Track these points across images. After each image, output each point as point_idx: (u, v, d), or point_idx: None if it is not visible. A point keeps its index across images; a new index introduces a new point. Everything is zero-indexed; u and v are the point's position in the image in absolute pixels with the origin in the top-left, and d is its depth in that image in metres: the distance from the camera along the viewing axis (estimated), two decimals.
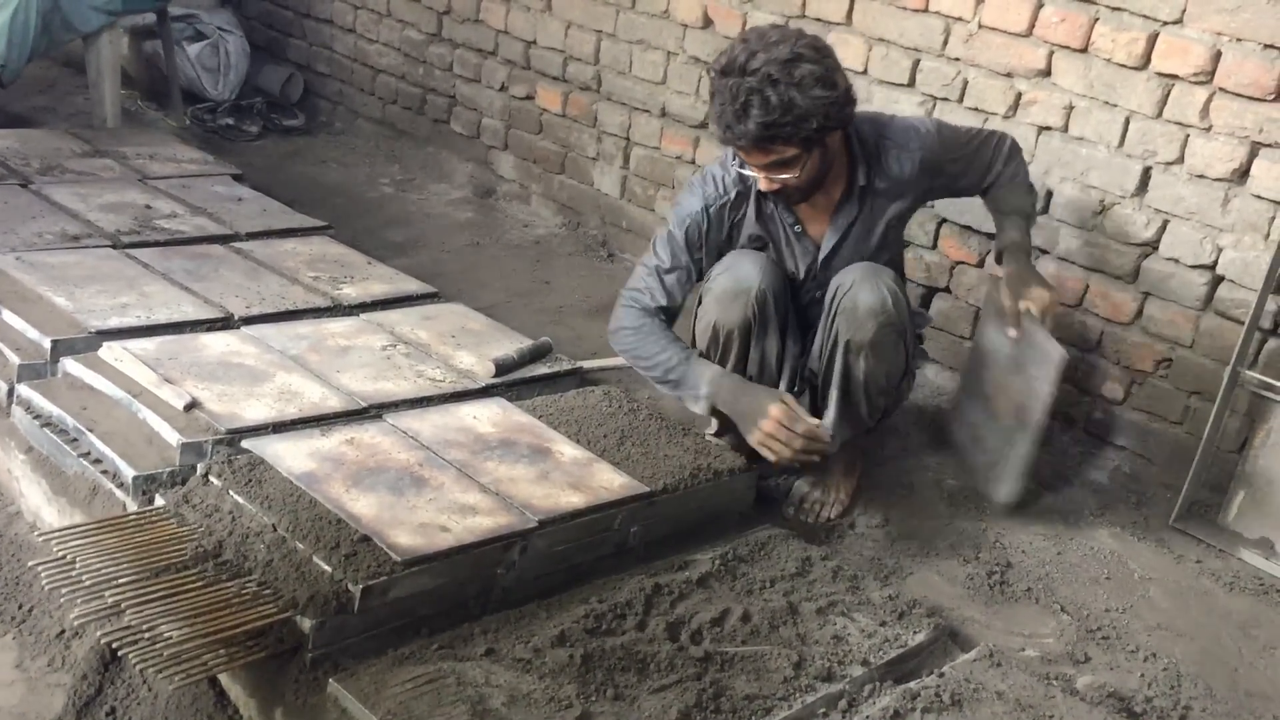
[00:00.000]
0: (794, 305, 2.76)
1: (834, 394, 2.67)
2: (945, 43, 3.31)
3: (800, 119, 2.40)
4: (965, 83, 3.29)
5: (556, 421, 2.71)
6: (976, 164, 2.78)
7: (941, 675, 2.22)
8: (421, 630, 2.12)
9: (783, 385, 2.75)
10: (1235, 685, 2.43)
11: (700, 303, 2.73)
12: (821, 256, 2.72)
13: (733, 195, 2.69)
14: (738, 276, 2.66)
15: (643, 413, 2.84)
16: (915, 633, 2.34)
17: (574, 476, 2.49)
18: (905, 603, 2.43)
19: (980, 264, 3.37)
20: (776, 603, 2.34)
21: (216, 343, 2.79)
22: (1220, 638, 2.58)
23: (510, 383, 2.90)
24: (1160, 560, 2.83)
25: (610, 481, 2.49)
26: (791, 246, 2.73)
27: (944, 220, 3.43)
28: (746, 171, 2.57)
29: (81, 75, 4.74)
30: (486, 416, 2.67)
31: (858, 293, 2.58)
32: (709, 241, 2.73)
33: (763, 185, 2.56)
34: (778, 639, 2.24)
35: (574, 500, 2.39)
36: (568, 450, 2.58)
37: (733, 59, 2.43)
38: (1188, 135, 2.92)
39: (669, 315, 2.74)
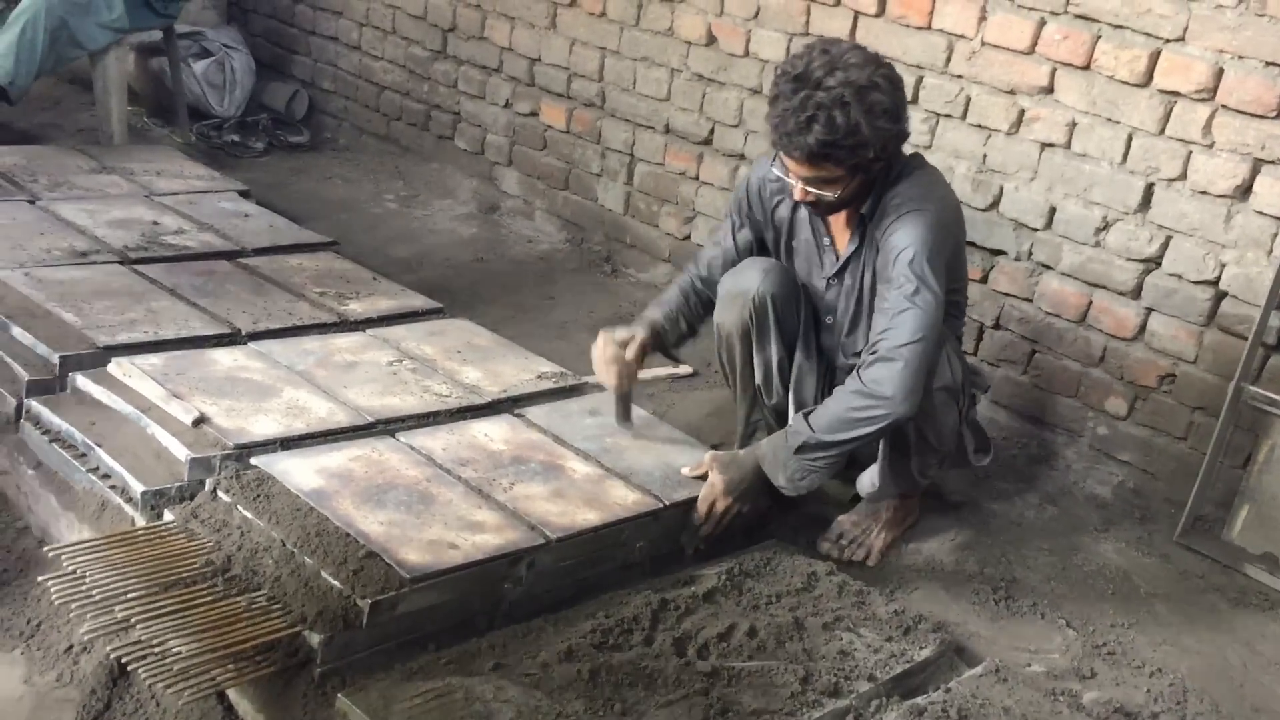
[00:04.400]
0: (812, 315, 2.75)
1: (882, 448, 2.62)
2: (948, 60, 3.33)
3: (859, 145, 2.38)
4: (968, 100, 3.31)
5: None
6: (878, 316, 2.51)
7: (948, 690, 2.22)
8: (429, 645, 2.13)
9: (790, 396, 2.76)
10: (1241, 700, 2.43)
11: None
12: (830, 272, 2.70)
13: (779, 181, 2.66)
14: (739, 279, 2.70)
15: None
16: (921, 648, 2.34)
17: (588, 493, 2.50)
18: (911, 618, 2.43)
19: (983, 279, 3.38)
20: (782, 618, 2.34)
21: (224, 358, 2.81)
22: (1225, 653, 2.58)
23: (516, 397, 2.91)
24: (1165, 575, 2.84)
25: (624, 498, 2.50)
26: (820, 254, 2.71)
27: None
28: (785, 177, 2.55)
29: (88, 92, 4.76)
30: (498, 434, 2.68)
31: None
32: (750, 218, 2.79)
33: (797, 195, 2.53)
34: (784, 654, 2.24)
35: (590, 517, 2.40)
36: (580, 467, 2.59)
37: (808, 69, 2.39)
38: (1190, 152, 2.94)
39: (705, 285, 2.83)
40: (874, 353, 2.42)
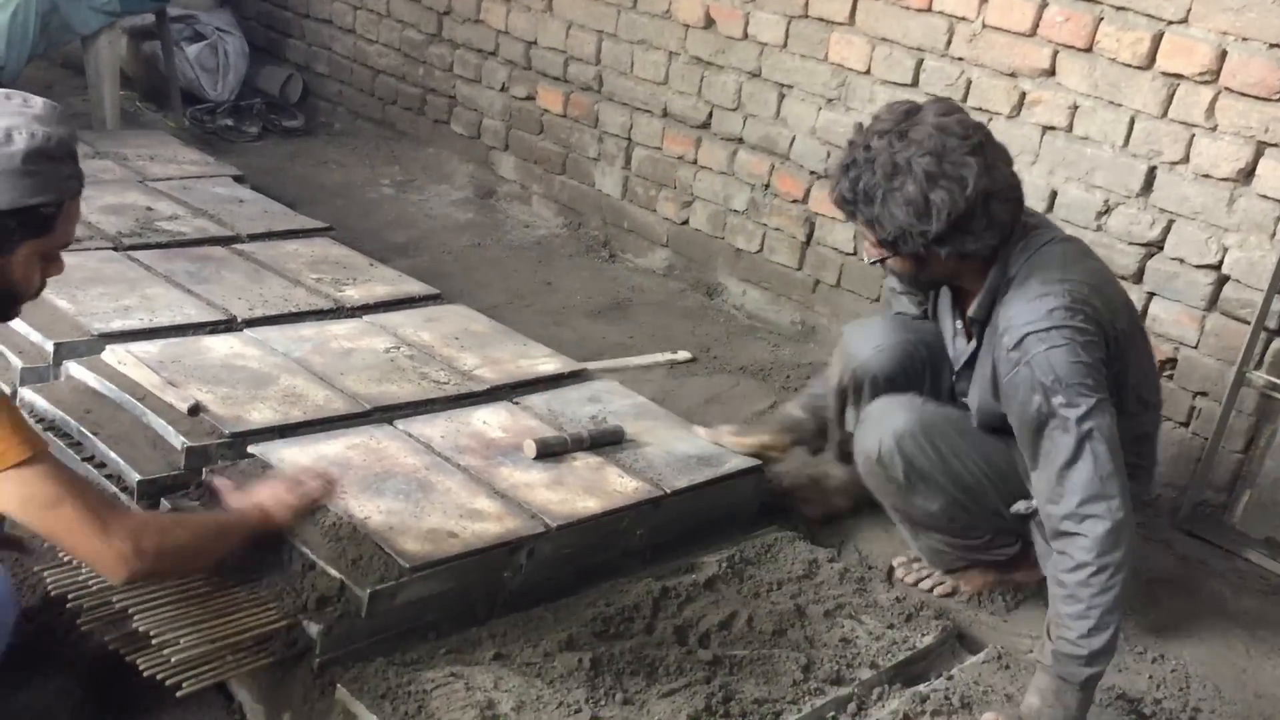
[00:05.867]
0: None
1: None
2: (949, 42, 3.31)
3: (874, 220, 2.15)
4: (969, 83, 3.28)
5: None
6: (1029, 449, 2.17)
7: (950, 678, 2.22)
8: (429, 635, 2.11)
9: None
10: (1244, 686, 2.43)
11: None
12: (955, 365, 2.43)
13: None
14: (856, 340, 2.56)
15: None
16: (923, 635, 2.33)
17: (587, 481, 2.48)
18: (913, 605, 2.42)
19: None
20: (784, 605, 2.33)
21: (220, 345, 2.78)
22: (1228, 638, 2.57)
23: (514, 384, 2.89)
24: (1167, 561, 2.83)
25: (623, 485, 2.49)
26: (952, 338, 2.43)
27: None
28: None
29: (80, 77, 4.72)
30: (496, 421, 2.67)
31: (861, 430, 2.46)
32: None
33: (864, 252, 2.31)
34: (786, 642, 2.24)
35: (590, 505, 2.39)
36: (579, 454, 2.57)
37: (872, 126, 2.17)
38: (1193, 135, 2.92)
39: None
40: (1057, 532, 2.09)
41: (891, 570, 2.62)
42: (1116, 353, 2.19)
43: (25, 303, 1.83)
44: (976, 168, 2.09)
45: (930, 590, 2.56)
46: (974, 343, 2.34)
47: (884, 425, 2.38)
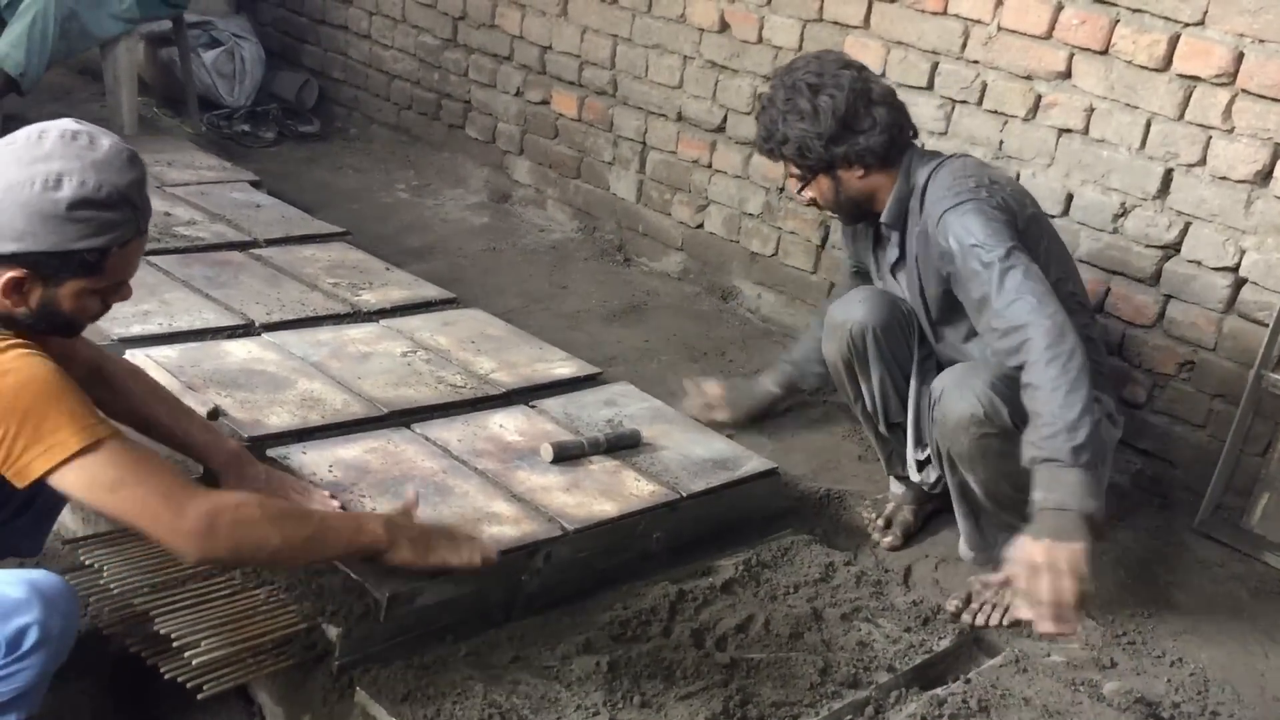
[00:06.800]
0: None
1: (957, 510, 2.57)
2: (964, 45, 3.30)
3: (782, 144, 2.52)
4: (984, 85, 3.28)
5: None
6: (973, 308, 2.39)
7: (968, 681, 2.21)
8: (447, 638, 2.12)
9: (909, 416, 2.65)
10: (1263, 690, 2.42)
11: None
12: (883, 274, 2.72)
13: None
14: (840, 310, 2.66)
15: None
16: (940, 638, 2.33)
17: (604, 484, 2.49)
18: (929, 608, 2.42)
19: None
20: (801, 609, 2.33)
21: (238, 350, 2.80)
22: (1246, 642, 2.56)
23: (530, 388, 2.90)
24: (1185, 564, 2.82)
25: (640, 489, 2.49)
26: (880, 271, 2.74)
27: None
28: None
29: (98, 83, 4.75)
30: (513, 425, 2.67)
31: (947, 402, 2.36)
32: (850, 246, 2.88)
33: (790, 189, 2.60)
34: (803, 645, 2.24)
35: (607, 508, 2.40)
36: (595, 457, 2.58)
37: (778, 72, 2.56)
38: (1210, 137, 2.91)
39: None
40: (1008, 353, 2.23)
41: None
42: (1030, 237, 2.42)
43: (85, 326, 1.84)
44: (850, 75, 2.49)
45: (1000, 623, 2.47)
46: (896, 249, 2.62)
47: (968, 386, 2.33)
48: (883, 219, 2.59)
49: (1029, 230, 2.43)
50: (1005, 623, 2.47)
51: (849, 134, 2.48)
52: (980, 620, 2.47)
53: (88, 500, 1.73)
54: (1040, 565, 2.01)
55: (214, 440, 2.16)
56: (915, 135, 2.60)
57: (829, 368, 2.73)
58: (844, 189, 2.56)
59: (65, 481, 1.68)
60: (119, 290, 1.81)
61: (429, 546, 2.03)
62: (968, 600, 2.51)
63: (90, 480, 1.68)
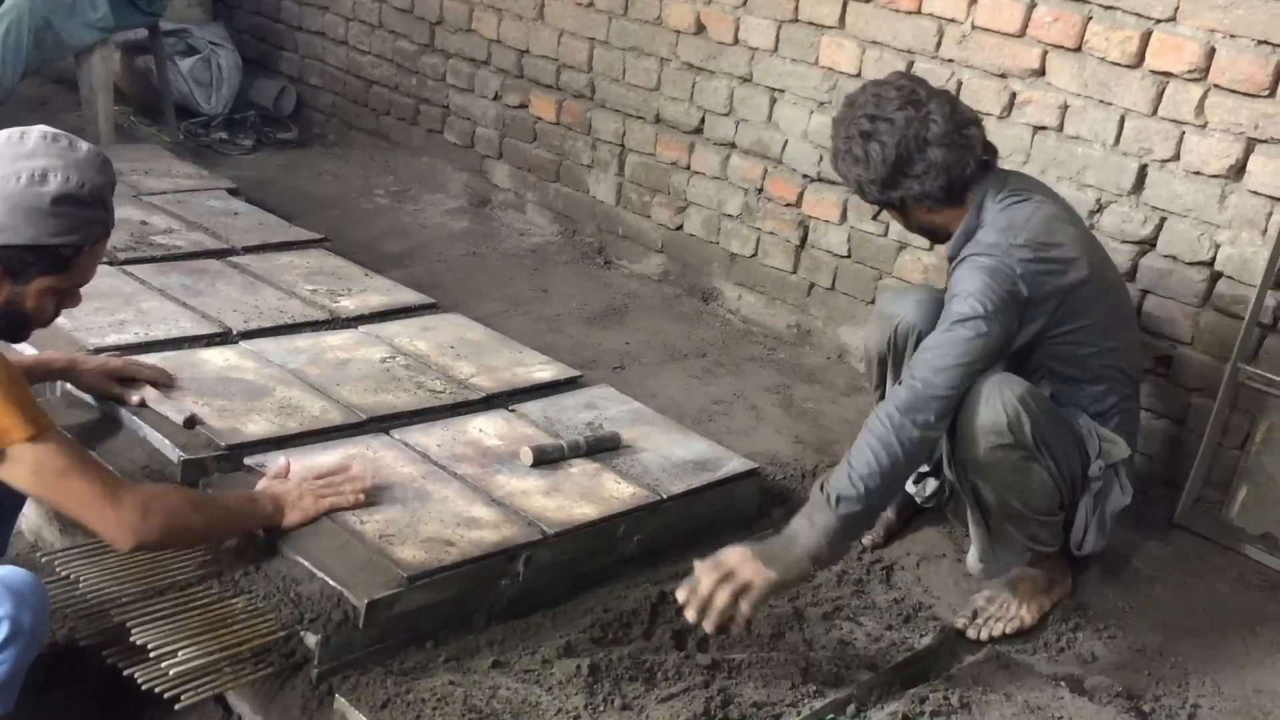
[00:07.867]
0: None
1: (969, 517, 2.53)
2: (939, 44, 3.31)
3: (843, 178, 2.52)
4: (959, 84, 3.29)
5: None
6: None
7: (949, 678, 2.22)
8: (427, 643, 2.11)
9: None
10: (1243, 682, 2.43)
11: None
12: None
13: None
14: (894, 303, 2.64)
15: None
16: (922, 636, 2.34)
17: (584, 487, 2.48)
18: (910, 606, 2.43)
19: None
20: (782, 608, 2.33)
21: (215, 358, 2.79)
22: (1226, 634, 2.57)
23: (510, 392, 2.89)
24: (1164, 557, 2.83)
25: (620, 491, 2.49)
26: None
27: None
28: None
29: (74, 92, 4.73)
30: (493, 429, 2.67)
31: (973, 406, 2.31)
32: None
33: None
34: (784, 645, 2.24)
35: (587, 511, 2.39)
36: (575, 460, 2.58)
37: (843, 105, 2.51)
38: (1183, 132, 2.92)
39: None
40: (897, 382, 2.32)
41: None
42: (1068, 307, 2.41)
43: (36, 329, 1.91)
44: (905, 116, 2.37)
45: (1004, 634, 2.45)
46: None
47: (998, 394, 2.31)
48: (946, 252, 2.54)
49: (1066, 300, 2.40)
50: (1008, 633, 2.45)
51: (902, 178, 2.41)
52: (985, 635, 2.44)
53: (32, 488, 1.80)
54: (729, 570, 2.07)
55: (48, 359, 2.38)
56: (991, 161, 2.49)
57: (864, 352, 2.70)
58: (912, 220, 2.53)
59: (12, 468, 1.74)
60: (73, 295, 1.90)
61: (315, 501, 2.17)
62: (974, 616, 2.48)
63: (37, 467, 1.76)
